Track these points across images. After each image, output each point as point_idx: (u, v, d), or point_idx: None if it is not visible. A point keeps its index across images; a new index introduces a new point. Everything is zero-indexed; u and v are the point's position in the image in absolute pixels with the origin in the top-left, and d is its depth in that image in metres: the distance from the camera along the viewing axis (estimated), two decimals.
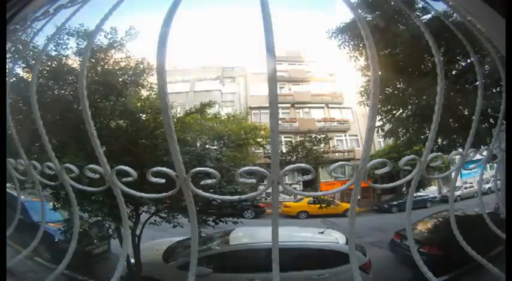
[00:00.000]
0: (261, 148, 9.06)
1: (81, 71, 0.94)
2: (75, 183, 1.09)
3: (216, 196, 1.11)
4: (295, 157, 8.46)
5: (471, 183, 16.06)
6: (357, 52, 7.79)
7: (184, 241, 6.82)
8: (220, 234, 7.05)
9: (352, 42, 7.53)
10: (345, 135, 19.40)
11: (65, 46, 5.89)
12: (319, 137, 9.17)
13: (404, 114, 8.26)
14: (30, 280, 4.96)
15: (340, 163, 1.09)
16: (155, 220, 6.38)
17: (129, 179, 0.98)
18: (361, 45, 7.35)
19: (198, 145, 6.70)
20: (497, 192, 1.47)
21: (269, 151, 1.21)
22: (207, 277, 5.52)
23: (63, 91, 5.91)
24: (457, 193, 14.40)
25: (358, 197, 1.01)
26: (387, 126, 8.66)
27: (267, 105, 0.82)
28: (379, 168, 0.99)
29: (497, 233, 1.19)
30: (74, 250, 1.14)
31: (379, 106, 7.61)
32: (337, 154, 16.11)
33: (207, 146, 7.11)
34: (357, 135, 19.05)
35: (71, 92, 5.71)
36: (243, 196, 1.17)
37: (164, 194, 0.99)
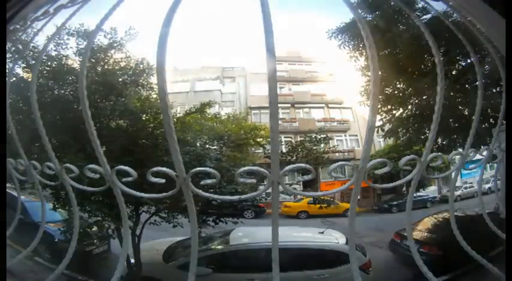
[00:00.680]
0: (261, 148, 9.06)
1: (81, 71, 0.94)
2: (75, 183, 1.09)
3: (216, 196, 1.10)
4: (295, 157, 8.44)
5: (471, 183, 16.07)
6: (357, 52, 7.79)
7: (184, 241, 6.82)
8: (220, 234, 7.05)
9: (352, 42, 7.53)
10: (345, 135, 19.42)
11: (65, 46, 5.89)
12: (319, 137, 9.14)
13: (404, 114, 8.26)
14: (30, 280, 4.96)
15: (340, 163, 1.09)
16: (155, 220, 6.39)
17: (129, 179, 0.98)
18: (361, 45, 7.35)
19: (198, 144, 6.69)
20: (497, 192, 1.47)
21: (269, 151, 1.21)
22: (207, 277, 5.53)
23: (63, 91, 5.90)
24: (457, 193, 14.41)
25: (358, 197, 1.01)
26: (387, 126, 8.66)
27: (267, 105, 0.82)
28: (379, 168, 0.99)
29: (497, 233, 1.19)
30: (74, 250, 1.14)
31: (379, 106, 7.65)
32: (337, 154, 16.11)
33: (207, 146, 7.11)
34: (357, 136, 19.07)
35: (71, 92, 5.70)
36: (243, 196, 1.17)
37: (164, 194, 0.99)
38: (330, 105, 20.22)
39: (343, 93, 19.78)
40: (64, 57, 5.85)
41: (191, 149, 5.96)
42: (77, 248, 1.17)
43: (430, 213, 9.19)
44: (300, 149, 8.81)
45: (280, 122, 1.24)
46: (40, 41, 3.47)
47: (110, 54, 6.18)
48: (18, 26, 1.10)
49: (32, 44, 4.18)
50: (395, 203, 15.29)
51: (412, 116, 8.10)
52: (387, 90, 7.95)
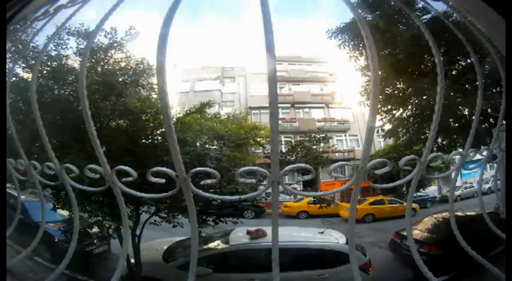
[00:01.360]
0: (261, 148, 9.06)
1: (81, 71, 0.94)
2: (75, 183, 1.09)
3: (216, 196, 1.11)
4: (295, 157, 8.44)
5: (471, 183, 16.08)
6: (357, 52, 7.80)
7: (184, 241, 6.82)
8: (220, 234, 7.05)
9: (352, 42, 7.53)
10: (345, 136, 19.43)
11: (65, 46, 5.88)
12: (319, 137, 9.14)
13: (404, 114, 8.27)
14: (30, 280, 4.96)
15: (340, 163, 1.09)
16: (155, 220, 6.38)
17: (129, 179, 0.98)
18: (361, 45, 7.35)
19: (198, 145, 6.69)
20: (497, 192, 1.47)
21: (269, 151, 1.21)
22: (207, 277, 5.52)
23: (63, 91, 5.89)
24: (457, 193, 14.42)
25: (358, 197, 1.01)
26: (387, 126, 8.67)
27: (267, 105, 0.82)
28: (379, 168, 0.99)
29: (497, 233, 1.19)
30: (74, 250, 1.14)
31: (379, 106, 7.64)
32: (337, 154, 16.13)
33: (207, 146, 7.10)
34: (357, 136, 19.08)
35: (71, 92, 5.69)
36: (243, 196, 1.17)
37: (164, 194, 0.99)
38: (330, 105, 20.24)
39: (343, 93, 19.80)
40: (64, 57, 5.85)
41: (191, 149, 5.96)
42: (77, 248, 1.17)
43: (430, 213, 9.19)
44: (299, 149, 8.80)
45: (280, 122, 1.24)
46: (40, 41, 3.48)
47: (110, 54, 6.17)
48: (18, 26, 1.10)
49: (32, 44, 4.19)
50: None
51: (412, 116, 8.10)
52: (387, 90, 7.95)
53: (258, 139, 9.12)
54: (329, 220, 12.26)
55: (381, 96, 7.67)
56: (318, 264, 5.79)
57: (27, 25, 1.11)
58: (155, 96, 6.30)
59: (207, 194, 1.03)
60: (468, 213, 7.55)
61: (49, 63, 5.67)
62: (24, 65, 5.35)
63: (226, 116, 9.79)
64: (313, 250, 6.02)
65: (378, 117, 8.11)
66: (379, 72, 0.89)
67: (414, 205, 13.27)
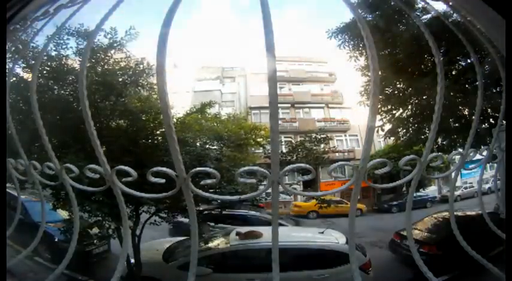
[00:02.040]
0: (261, 148, 9.06)
1: (81, 71, 0.94)
2: (75, 183, 1.09)
3: (216, 196, 1.11)
4: (295, 157, 8.43)
5: (471, 183, 16.09)
6: (357, 52, 7.79)
7: (184, 241, 6.82)
8: (220, 234, 7.05)
9: (352, 42, 7.52)
10: (345, 136, 19.45)
11: (65, 46, 5.86)
12: (319, 137, 9.14)
13: (404, 114, 8.27)
14: (30, 280, 4.96)
15: (340, 163, 1.09)
16: (155, 220, 6.39)
17: (129, 179, 0.97)
18: (361, 45, 7.35)
19: (198, 145, 6.68)
20: (497, 192, 1.47)
21: (269, 151, 1.21)
22: (207, 277, 5.52)
23: (63, 91, 5.89)
24: (457, 193, 14.44)
25: (358, 197, 1.01)
26: (387, 126, 8.67)
27: (267, 105, 0.82)
28: (379, 168, 0.99)
29: (497, 233, 1.19)
30: (74, 250, 1.14)
31: (379, 106, 7.64)
32: (337, 154, 16.13)
33: (207, 146, 7.10)
34: (357, 136, 19.10)
35: (71, 92, 5.69)
36: (243, 196, 1.17)
37: (164, 194, 0.99)
38: (330, 105, 20.25)
39: (343, 93, 19.80)
40: (64, 57, 5.84)
41: (191, 149, 5.95)
42: (77, 248, 1.17)
43: (430, 213, 9.20)
44: (300, 149, 8.80)
45: (280, 122, 1.24)
46: (40, 41, 3.48)
47: (110, 54, 6.15)
48: (18, 26, 1.10)
49: (32, 44, 4.17)
50: (395, 203, 15.33)
51: (412, 116, 8.10)
52: (387, 90, 7.95)
53: (258, 139, 9.12)
54: (329, 220, 12.28)
55: (380, 96, 7.67)
56: (318, 264, 5.79)
57: (27, 25, 1.11)
58: (155, 96, 6.30)
59: (207, 194, 1.03)
60: (468, 213, 7.55)
61: (49, 63, 5.66)
62: (24, 65, 5.34)
63: (226, 116, 9.80)
64: (313, 250, 6.02)
65: (378, 117, 8.11)
66: (379, 72, 0.89)
67: (360, 205, 14.13)
